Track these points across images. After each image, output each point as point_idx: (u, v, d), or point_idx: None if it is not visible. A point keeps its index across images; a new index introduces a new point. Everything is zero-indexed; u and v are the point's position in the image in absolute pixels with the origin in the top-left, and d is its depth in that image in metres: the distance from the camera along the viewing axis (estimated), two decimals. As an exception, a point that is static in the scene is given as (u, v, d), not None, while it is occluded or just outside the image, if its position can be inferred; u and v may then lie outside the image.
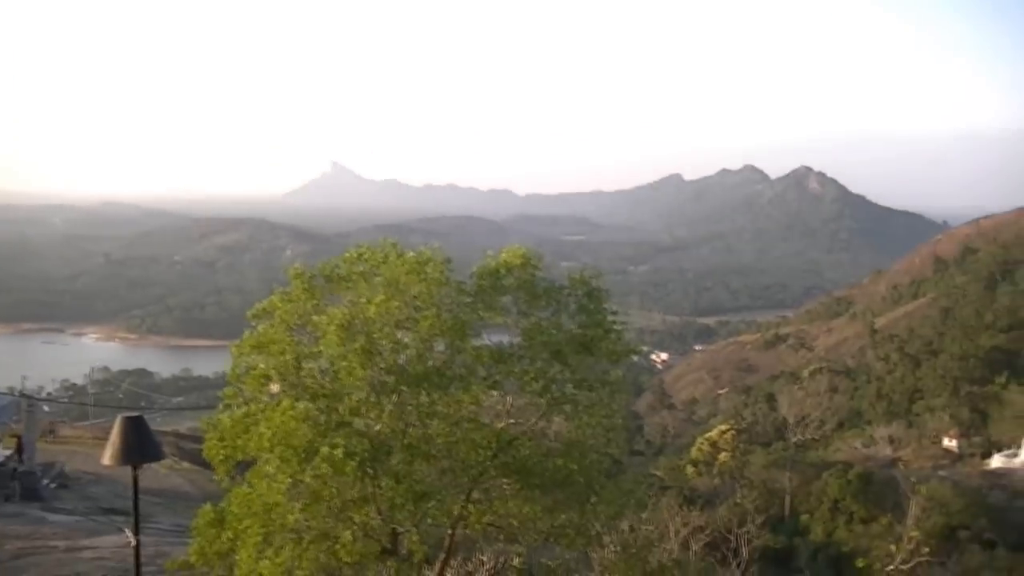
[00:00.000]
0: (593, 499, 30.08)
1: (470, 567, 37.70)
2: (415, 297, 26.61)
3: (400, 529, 27.22)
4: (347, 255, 28.44)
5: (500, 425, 29.04)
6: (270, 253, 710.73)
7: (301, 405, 24.41)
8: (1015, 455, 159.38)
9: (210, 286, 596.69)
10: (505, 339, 28.71)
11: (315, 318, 27.03)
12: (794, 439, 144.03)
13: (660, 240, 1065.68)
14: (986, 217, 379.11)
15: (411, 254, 27.13)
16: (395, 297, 26.24)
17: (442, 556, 30.06)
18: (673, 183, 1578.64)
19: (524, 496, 29.39)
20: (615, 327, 28.80)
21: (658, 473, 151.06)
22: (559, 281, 29.58)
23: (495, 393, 28.92)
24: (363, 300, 26.57)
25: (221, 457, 26.51)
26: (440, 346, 27.26)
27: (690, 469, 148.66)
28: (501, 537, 32.43)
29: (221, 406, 27.83)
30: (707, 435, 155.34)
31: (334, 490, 24.90)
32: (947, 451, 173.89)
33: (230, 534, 25.98)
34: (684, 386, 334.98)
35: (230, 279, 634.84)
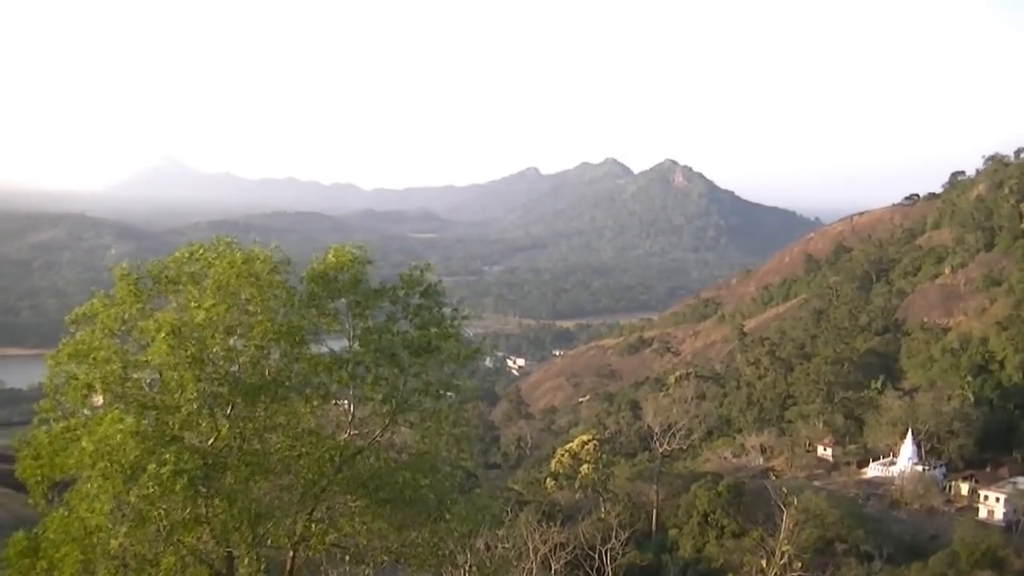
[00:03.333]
0: (445, 515, 30.31)
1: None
2: (247, 301, 26.39)
3: (236, 552, 27.00)
4: (177, 254, 28.09)
5: (343, 437, 29.09)
6: (92, 252, 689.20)
7: (129, 418, 24.00)
8: (892, 463, 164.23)
9: (24, 288, 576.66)
10: (347, 344, 28.80)
11: (142, 323, 26.63)
12: (660, 449, 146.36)
13: (516, 238, 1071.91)
14: (860, 214, 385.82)
15: (240, 254, 26.85)
16: (226, 301, 26.00)
17: (282, 580, 29.87)
18: (529, 177, 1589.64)
19: (371, 513, 29.49)
20: (455, 325, 29.05)
21: (516, 487, 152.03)
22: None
23: (339, 403, 28.99)
24: (192, 304, 26.26)
25: (37, 478, 25.94)
26: (275, 353, 27.13)
27: (550, 482, 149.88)
28: (347, 558, 32.43)
29: (36, 420, 27.21)
30: (567, 446, 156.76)
31: (162, 511, 24.54)
32: (821, 460, 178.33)
33: (45, 563, 25.45)
34: (542, 394, 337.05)
35: (47, 281, 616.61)
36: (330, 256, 28.61)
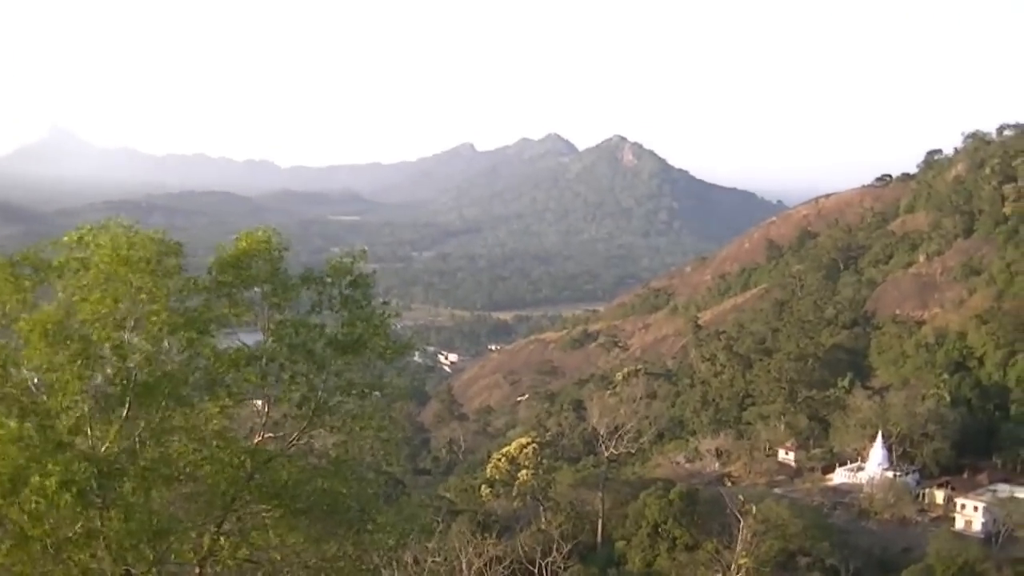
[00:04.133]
0: (369, 526, 30.06)
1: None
2: (140, 290, 25.89)
3: (135, 571, 26.61)
4: (65, 238, 27.48)
5: (255, 441, 28.76)
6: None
7: (11, 423, 23.52)
8: (860, 469, 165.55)
9: None
10: (260, 339, 28.47)
11: (24, 317, 26.08)
12: (606, 453, 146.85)
13: (448, 221, 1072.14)
14: (827, 196, 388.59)
15: (127, 238, 26.29)
16: (115, 291, 25.50)
17: (186, 602, 29.54)
18: (464, 154, 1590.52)
19: (286, 524, 29.16)
20: (385, 319, 28.81)
21: (447, 495, 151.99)
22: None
23: (252, 404, 28.69)
24: (77, 297, 25.75)
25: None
26: (174, 348, 26.73)
27: (485, 490, 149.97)
28: (260, 574, 32.12)
29: None
30: (505, 449, 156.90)
31: (49, 527, 24.03)
32: (783, 465, 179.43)
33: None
34: (477, 392, 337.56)
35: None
36: (241, 241, 28.20)
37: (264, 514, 29.08)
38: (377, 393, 30.53)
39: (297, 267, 29.62)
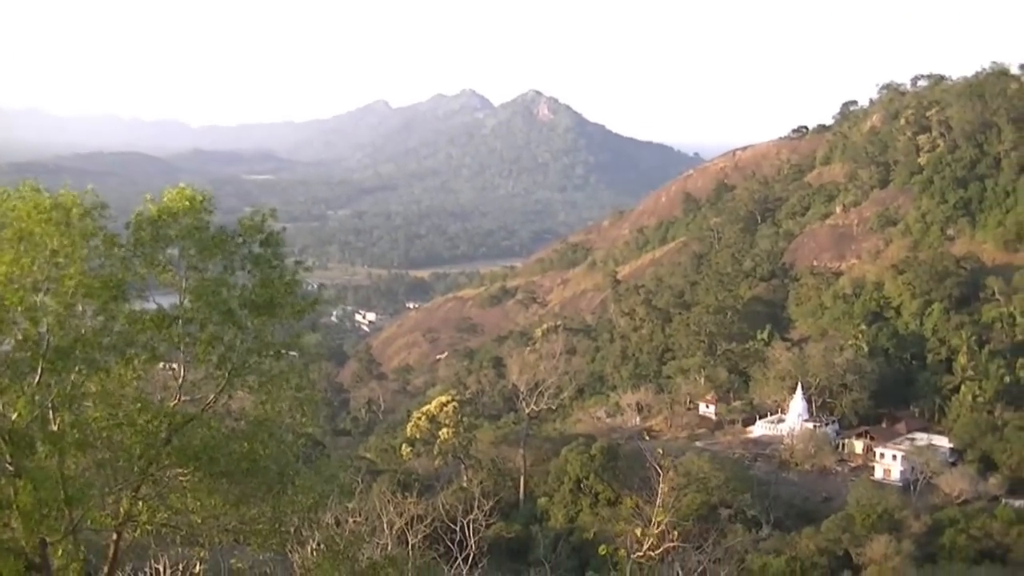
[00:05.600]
0: (288, 488, 30.11)
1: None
2: (55, 252, 25.69)
3: (49, 539, 26.48)
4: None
5: (172, 404, 28.67)
6: None
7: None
8: (780, 421, 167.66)
9: None
10: (177, 300, 28.32)
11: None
12: (527, 410, 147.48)
13: (363, 179, 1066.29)
14: (743, 149, 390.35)
15: (47, 199, 26.08)
16: (30, 252, 25.28)
17: (105, 568, 29.47)
18: (378, 111, 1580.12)
19: (205, 488, 29.15)
20: (296, 277, 28.80)
21: (367, 455, 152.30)
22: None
23: (169, 366, 28.57)
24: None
25: None
26: (89, 311, 26.53)
27: (406, 449, 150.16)
28: (179, 539, 32.08)
29: None
30: (425, 408, 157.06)
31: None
32: (704, 418, 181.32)
33: None
34: (396, 351, 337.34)
35: None
36: (164, 199, 28.04)
37: (182, 478, 29.03)
38: (294, 353, 30.56)
39: (212, 228, 29.44)
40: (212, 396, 29.01)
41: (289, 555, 38.19)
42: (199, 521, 30.12)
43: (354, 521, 44.69)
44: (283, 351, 28.80)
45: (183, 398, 28.95)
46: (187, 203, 27.83)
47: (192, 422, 28.21)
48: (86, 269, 26.01)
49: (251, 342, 28.21)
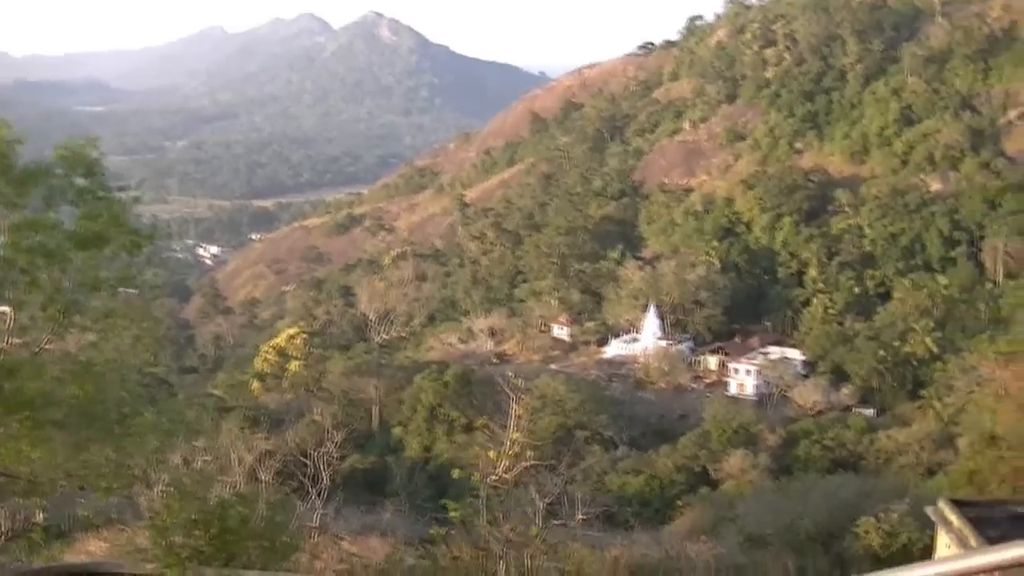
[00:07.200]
0: (131, 430, 29.41)
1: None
2: None
3: None
4: None
5: (0, 347, 27.76)
6: None
7: None
8: (635, 340, 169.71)
9: None
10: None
11: None
12: (378, 339, 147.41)
13: (201, 107, 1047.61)
14: (590, 66, 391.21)
15: None
16: None
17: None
18: (214, 36, 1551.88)
19: (38, 437, 28.30)
20: (125, 210, 27.93)
21: (216, 392, 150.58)
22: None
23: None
24: None
25: None
26: None
27: (255, 384, 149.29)
28: (16, 490, 31.26)
29: None
30: (273, 342, 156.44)
31: None
32: (558, 341, 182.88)
33: None
34: (242, 284, 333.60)
35: None
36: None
37: (14, 427, 28.19)
38: (133, 291, 29.75)
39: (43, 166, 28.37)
40: (44, 339, 28.11)
41: (136, 498, 37.59)
42: (39, 470, 29.34)
43: (203, 460, 44.20)
44: (118, 288, 27.98)
45: (13, 342, 27.99)
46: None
47: (22, 368, 27.31)
48: None
49: (79, 279, 27.34)
